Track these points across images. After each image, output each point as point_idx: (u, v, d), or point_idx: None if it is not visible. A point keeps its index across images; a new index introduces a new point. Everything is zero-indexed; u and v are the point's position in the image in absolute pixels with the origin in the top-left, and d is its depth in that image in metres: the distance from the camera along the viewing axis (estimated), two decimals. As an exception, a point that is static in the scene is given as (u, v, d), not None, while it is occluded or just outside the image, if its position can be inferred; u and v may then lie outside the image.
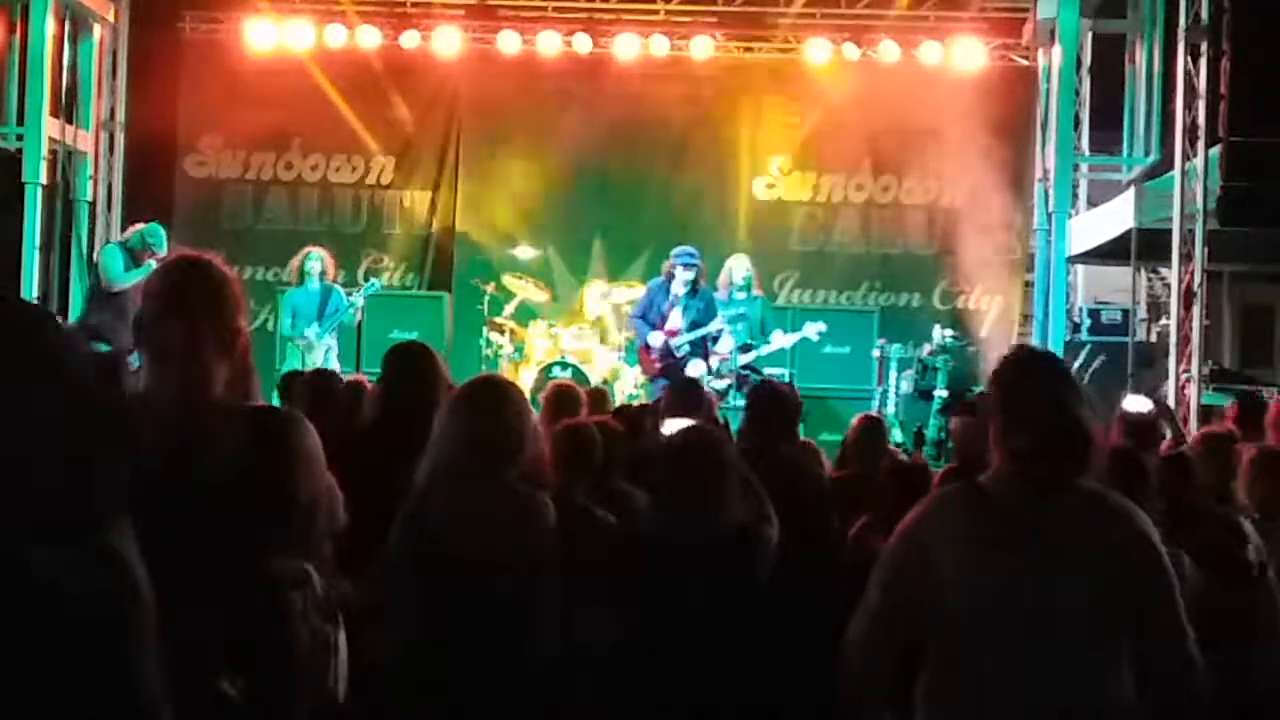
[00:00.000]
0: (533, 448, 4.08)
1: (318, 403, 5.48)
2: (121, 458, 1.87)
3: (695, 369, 10.82)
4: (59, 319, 9.50)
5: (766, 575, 4.16)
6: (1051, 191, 13.13)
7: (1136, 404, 6.12)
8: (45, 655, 1.73)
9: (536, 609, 3.85)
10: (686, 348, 10.96)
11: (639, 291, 12.37)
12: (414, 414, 4.28)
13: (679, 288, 10.96)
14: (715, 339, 11.10)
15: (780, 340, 11.54)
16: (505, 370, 12.04)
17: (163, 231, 10.91)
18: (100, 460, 1.82)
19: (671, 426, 4.58)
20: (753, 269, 11.85)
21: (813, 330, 11.66)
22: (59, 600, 1.73)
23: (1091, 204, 13.85)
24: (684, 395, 6.28)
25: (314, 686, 3.07)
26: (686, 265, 10.97)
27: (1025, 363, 3.19)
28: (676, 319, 10.98)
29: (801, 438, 6.24)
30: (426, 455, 3.94)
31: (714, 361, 11.06)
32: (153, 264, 10.19)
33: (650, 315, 11.12)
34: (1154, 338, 13.81)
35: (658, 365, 11.00)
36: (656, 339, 11.01)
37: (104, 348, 9.61)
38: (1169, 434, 6.67)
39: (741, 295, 11.59)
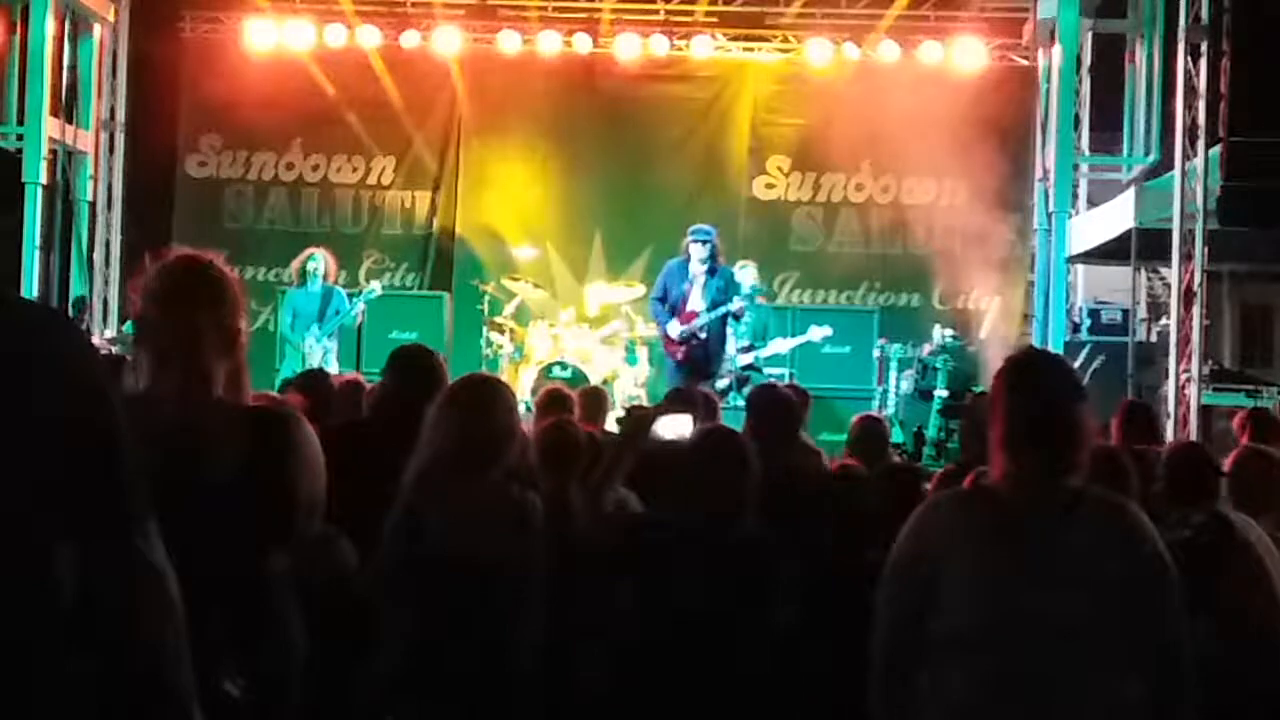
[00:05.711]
0: (521, 447, 4.08)
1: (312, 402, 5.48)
2: (147, 460, 1.89)
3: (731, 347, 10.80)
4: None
5: (781, 578, 4.15)
6: (1051, 191, 13.12)
7: None
8: (71, 648, 1.74)
9: (525, 608, 3.85)
10: (706, 331, 10.81)
11: (639, 291, 12.35)
12: (416, 416, 4.28)
13: (696, 266, 10.81)
14: (738, 317, 10.98)
15: (783, 344, 11.50)
16: (505, 370, 12.03)
17: None
18: (127, 461, 1.83)
19: (666, 423, 4.54)
20: (759, 279, 11.75)
21: (818, 334, 11.63)
22: (85, 597, 1.74)
23: (1091, 204, 13.85)
24: (679, 396, 6.25)
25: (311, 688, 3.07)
26: (701, 241, 10.80)
27: (1023, 364, 3.19)
28: (697, 299, 10.86)
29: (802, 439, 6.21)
30: (415, 455, 3.94)
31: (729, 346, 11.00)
32: None
33: (671, 297, 10.93)
34: (1154, 338, 13.80)
35: (680, 352, 10.86)
36: (675, 329, 10.86)
37: None
38: None
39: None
